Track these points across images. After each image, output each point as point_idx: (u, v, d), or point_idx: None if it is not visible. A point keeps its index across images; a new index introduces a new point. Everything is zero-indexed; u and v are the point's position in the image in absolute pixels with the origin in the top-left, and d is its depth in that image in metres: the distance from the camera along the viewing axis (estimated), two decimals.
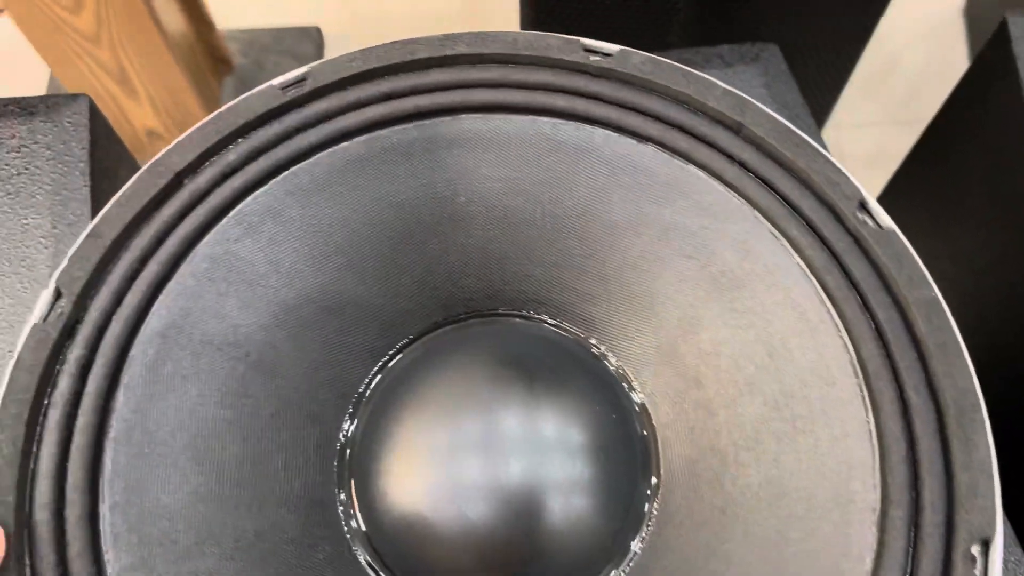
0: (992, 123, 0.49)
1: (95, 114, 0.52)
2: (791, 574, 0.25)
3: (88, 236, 0.29)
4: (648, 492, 0.31)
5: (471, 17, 1.26)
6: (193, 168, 0.30)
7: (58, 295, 0.28)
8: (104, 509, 0.26)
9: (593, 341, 0.33)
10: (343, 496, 0.31)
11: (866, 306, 0.27)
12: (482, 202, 0.32)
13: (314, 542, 0.29)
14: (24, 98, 0.51)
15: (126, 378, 0.27)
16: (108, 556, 0.25)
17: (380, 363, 0.33)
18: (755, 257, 0.29)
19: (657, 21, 0.65)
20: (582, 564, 0.30)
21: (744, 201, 0.29)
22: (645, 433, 0.31)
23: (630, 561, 0.30)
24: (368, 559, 0.31)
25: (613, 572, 0.30)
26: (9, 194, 0.47)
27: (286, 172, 0.30)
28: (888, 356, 0.27)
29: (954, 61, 1.15)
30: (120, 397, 0.27)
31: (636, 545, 0.31)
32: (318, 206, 0.30)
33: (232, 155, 0.30)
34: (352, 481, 0.31)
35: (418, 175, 0.31)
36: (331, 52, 0.23)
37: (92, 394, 0.27)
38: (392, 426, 0.30)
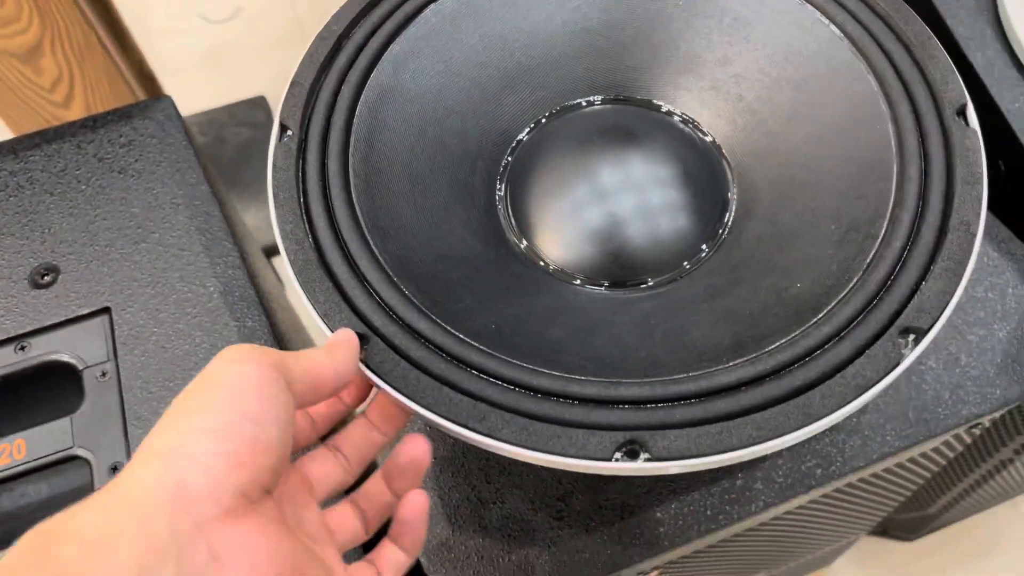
0: None
1: (176, 111, 0.62)
2: (844, 214, 0.37)
3: (292, 85, 0.39)
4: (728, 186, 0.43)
5: None
6: (347, 32, 0.41)
7: (283, 128, 0.38)
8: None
9: (679, 112, 0.45)
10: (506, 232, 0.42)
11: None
12: (575, 24, 0.44)
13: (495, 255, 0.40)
14: (118, 108, 0.62)
15: (352, 163, 0.38)
16: None
17: (513, 144, 0.44)
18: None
19: None
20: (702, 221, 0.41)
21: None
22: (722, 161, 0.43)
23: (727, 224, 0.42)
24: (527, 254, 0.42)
25: (721, 231, 0.42)
26: (133, 176, 0.57)
27: (412, 23, 0.41)
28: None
29: None
30: (351, 172, 0.37)
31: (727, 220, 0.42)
32: (440, 43, 0.42)
33: (375, 16, 0.41)
34: (510, 220, 0.43)
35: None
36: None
37: (334, 173, 0.37)
38: (532, 181, 0.42)
